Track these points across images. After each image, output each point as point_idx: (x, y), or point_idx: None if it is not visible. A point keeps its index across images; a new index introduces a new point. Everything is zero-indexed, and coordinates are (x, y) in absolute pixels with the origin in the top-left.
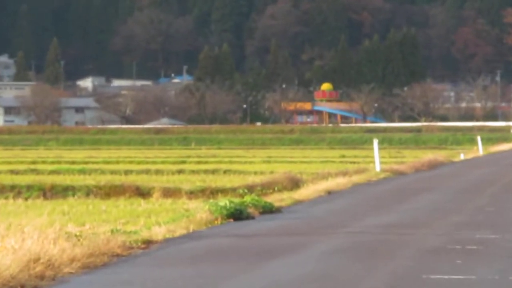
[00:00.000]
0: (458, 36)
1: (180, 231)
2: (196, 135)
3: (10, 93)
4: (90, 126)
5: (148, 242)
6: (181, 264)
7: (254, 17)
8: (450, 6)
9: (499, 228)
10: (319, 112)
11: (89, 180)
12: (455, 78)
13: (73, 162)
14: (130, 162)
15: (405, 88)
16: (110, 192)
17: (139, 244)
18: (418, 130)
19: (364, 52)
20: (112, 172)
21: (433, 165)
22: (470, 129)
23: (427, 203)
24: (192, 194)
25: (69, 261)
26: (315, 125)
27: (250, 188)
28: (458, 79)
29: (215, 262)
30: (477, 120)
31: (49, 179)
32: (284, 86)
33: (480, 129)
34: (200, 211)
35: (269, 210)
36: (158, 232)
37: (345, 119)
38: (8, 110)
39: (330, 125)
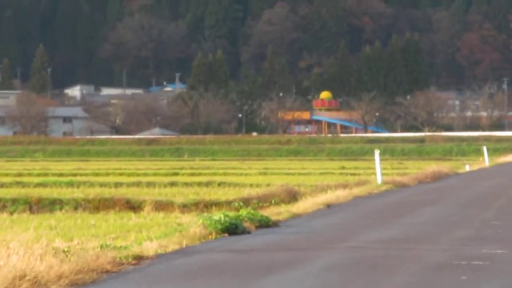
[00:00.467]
0: (463, 42)
1: (172, 247)
2: (189, 145)
3: None
4: (78, 137)
5: (139, 258)
6: (174, 280)
7: (249, 23)
8: (455, 10)
9: (506, 243)
10: (318, 122)
11: (77, 193)
12: (460, 86)
13: (60, 175)
14: (120, 174)
15: (408, 97)
16: (100, 205)
17: (130, 260)
18: (422, 140)
19: (365, 59)
20: (102, 185)
21: (437, 177)
22: (476, 139)
23: (431, 216)
24: (185, 207)
25: (56, 278)
26: (313, 135)
27: (246, 201)
28: (463, 87)
29: (209, 278)
30: (483, 130)
31: (35, 192)
32: (281, 94)
33: (486, 139)
34: (194, 225)
35: (265, 224)
36: (150, 248)
37: (345, 129)
38: None
39: (330, 135)
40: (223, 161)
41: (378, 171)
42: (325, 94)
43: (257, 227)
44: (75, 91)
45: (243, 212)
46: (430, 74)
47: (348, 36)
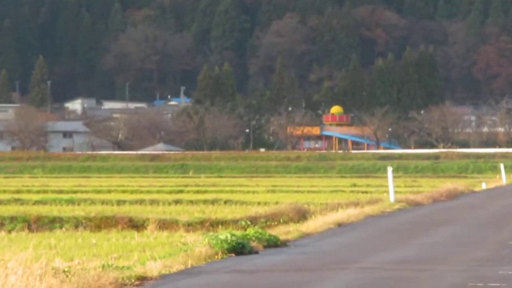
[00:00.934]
0: (480, 55)
1: (177, 267)
2: (194, 162)
3: None
4: (79, 152)
5: (142, 279)
6: None
7: (257, 34)
8: (471, 22)
9: None
10: (328, 138)
11: (78, 211)
12: (477, 101)
13: (60, 191)
14: (123, 192)
15: (422, 112)
16: (101, 224)
17: (133, 280)
18: (436, 157)
19: (377, 72)
20: (103, 202)
21: (453, 195)
22: (493, 156)
23: (446, 236)
24: (190, 226)
25: None
26: (323, 151)
27: (253, 220)
28: (480, 101)
29: None
30: (500, 146)
31: (34, 210)
32: (290, 109)
33: (504, 156)
34: (199, 245)
35: (274, 244)
36: (153, 268)
37: (356, 145)
38: None
39: (340, 151)
40: (229, 178)
41: (391, 189)
42: (335, 109)
43: (265, 247)
44: (75, 105)
45: (251, 231)
46: (445, 88)
47: (360, 49)
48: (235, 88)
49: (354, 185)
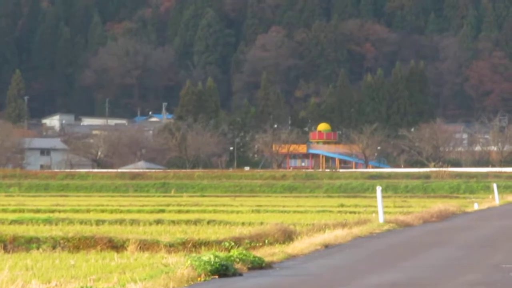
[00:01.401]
0: (472, 71)
1: None
2: (176, 180)
3: None
4: (57, 170)
5: None
6: None
7: (242, 48)
8: (463, 37)
9: None
10: (315, 156)
11: (55, 231)
12: (469, 118)
13: (37, 211)
14: (102, 211)
15: (412, 129)
16: (80, 244)
17: None
18: (427, 176)
19: (366, 88)
20: (82, 222)
21: (444, 216)
22: (485, 175)
23: (437, 259)
24: (172, 247)
25: None
26: (310, 170)
27: (237, 241)
28: (472, 119)
29: None
30: (493, 165)
31: (10, 230)
32: (275, 126)
33: (497, 175)
34: (181, 266)
35: (258, 266)
36: None
37: (344, 163)
38: None
39: (328, 170)
40: (213, 197)
41: (380, 209)
42: (323, 126)
43: (250, 269)
44: (53, 121)
45: (235, 252)
46: (436, 105)
47: (348, 64)
48: (219, 104)
49: (342, 205)
